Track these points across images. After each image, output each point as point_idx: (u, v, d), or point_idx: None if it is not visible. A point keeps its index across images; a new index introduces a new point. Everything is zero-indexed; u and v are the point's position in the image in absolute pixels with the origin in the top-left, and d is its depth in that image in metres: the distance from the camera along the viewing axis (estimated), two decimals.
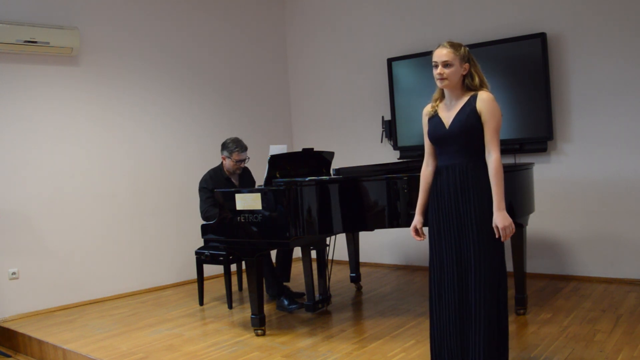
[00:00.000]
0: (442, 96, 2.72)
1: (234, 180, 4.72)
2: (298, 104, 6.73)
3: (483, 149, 2.60)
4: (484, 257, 2.54)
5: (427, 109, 2.76)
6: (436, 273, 2.67)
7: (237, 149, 4.57)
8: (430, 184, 2.77)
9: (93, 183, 5.09)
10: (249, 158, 4.70)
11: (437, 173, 2.71)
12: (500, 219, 2.52)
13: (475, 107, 2.57)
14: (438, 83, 2.64)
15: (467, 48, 2.64)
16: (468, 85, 2.63)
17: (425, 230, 2.83)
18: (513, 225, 2.54)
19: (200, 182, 4.65)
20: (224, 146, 4.63)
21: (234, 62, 6.23)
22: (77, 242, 4.97)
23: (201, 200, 4.60)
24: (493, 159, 2.55)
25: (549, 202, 4.78)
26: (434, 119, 2.69)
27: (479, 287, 2.54)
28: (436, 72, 2.61)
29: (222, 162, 4.69)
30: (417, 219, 2.81)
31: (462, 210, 2.58)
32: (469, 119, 2.57)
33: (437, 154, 2.73)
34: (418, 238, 2.81)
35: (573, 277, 4.83)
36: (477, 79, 2.62)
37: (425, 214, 2.80)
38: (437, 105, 2.72)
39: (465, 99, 2.62)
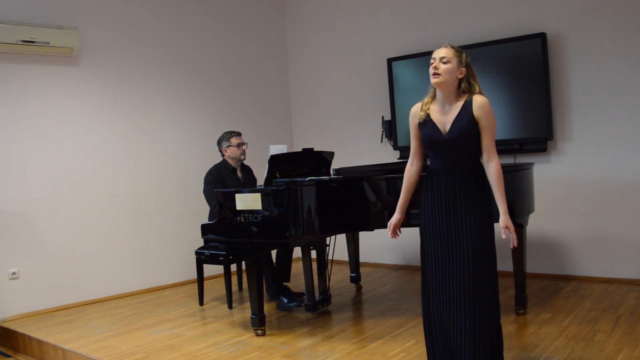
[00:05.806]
0: (433, 99, 2.69)
1: (238, 173, 4.76)
2: (298, 104, 6.73)
3: (478, 152, 2.63)
4: (480, 256, 2.56)
5: (417, 111, 2.72)
6: (430, 273, 2.66)
7: (233, 135, 4.73)
8: (413, 184, 2.81)
9: (93, 183, 5.09)
10: (246, 143, 4.79)
11: (432, 174, 2.68)
12: (510, 220, 2.58)
13: (472, 113, 2.56)
14: (432, 79, 2.59)
15: (469, 57, 2.64)
16: (464, 89, 2.61)
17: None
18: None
19: (205, 176, 4.69)
20: (221, 140, 4.76)
21: (234, 62, 6.23)
22: (77, 242, 4.97)
23: (209, 197, 4.60)
24: (494, 163, 2.59)
25: (549, 202, 4.78)
26: (428, 123, 2.65)
27: (475, 284, 2.55)
28: (432, 67, 2.59)
29: (223, 158, 4.74)
30: (397, 217, 2.83)
31: (459, 210, 2.59)
32: (468, 125, 2.56)
33: (431, 156, 2.72)
34: (395, 236, 2.83)
35: (573, 277, 4.83)
36: (475, 87, 2.62)
37: (406, 212, 2.84)
38: (427, 109, 2.67)
39: (461, 103, 2.60)
